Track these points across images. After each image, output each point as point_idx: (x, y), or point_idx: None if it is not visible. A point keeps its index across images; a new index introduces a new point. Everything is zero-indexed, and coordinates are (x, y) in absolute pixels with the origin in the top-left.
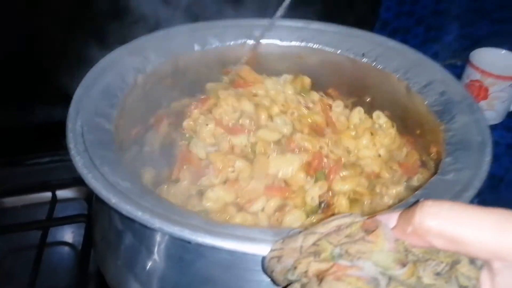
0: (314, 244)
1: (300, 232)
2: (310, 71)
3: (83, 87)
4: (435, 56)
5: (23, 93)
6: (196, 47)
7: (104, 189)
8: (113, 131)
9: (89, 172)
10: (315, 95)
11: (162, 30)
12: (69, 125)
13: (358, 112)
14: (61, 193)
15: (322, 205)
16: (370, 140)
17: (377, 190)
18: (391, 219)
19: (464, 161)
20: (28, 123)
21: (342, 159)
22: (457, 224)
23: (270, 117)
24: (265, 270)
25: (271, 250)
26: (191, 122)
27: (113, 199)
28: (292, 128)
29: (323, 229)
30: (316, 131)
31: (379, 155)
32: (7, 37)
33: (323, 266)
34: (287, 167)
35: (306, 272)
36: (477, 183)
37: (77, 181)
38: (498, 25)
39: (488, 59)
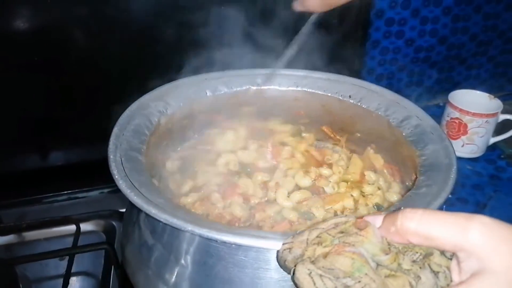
0: (317, 236)
1: (305, 230)
2: (305, 111)
3: (119, 127)
4: (419, 98)
5: (42, 139)
6: (208, 93)
7: (145, 204)
8: (144, 162)
9: (132, 192)
10: None
11: (180, 80)
12: (111, 156)
13: None
14: (81, 226)
15: None
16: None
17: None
18: (377, 220)
19: (434, 179)
20: (45, 165)
21: None
22: (427, 225)
23: None
24: (278, 260)
25: (283, 244)
26: None
27: (153, 211)
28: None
29: (323, 225)
30: None
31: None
32: (28, 87)
33: (326, 250)
34: None
35: (313, 256)
36: (444, 195)
37: (96, 215)
38: (473, 70)
39: (465, 99)
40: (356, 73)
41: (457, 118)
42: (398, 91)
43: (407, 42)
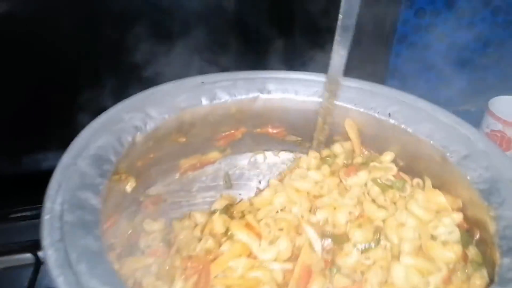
0: None
1: None
2: (330, 129)
3: (70, 155)
4: (447, 102)
5: (14, 143)
6: (204, 102)
7: None
8: (99, 207)
9: (61, 274)
10: None
11: (166, 84)
12: (47, 204)
13: None
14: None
15: None
16: None
17: None
18: None
19: None
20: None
21: None
22: None
23: None
24: None
25: None
26: None
27: None
28: None
29: None
30: None
31: None
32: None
33: None
34: None
35: None
36: None
37: None
38: None
39: (509, 107)
40: (377, 72)
41: (499, 131)
42: (424, 93)
43: (439, 37)
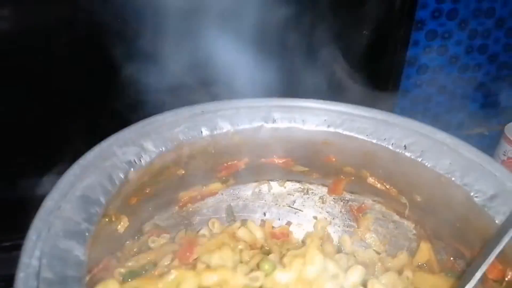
0: None
1: None
2: (338, 158)
3: (53, 198)
4: (460, 126)
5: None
6: (204, 132)
7: None
8: (83, 259)
9: None
10: None
11: (163, 114)
12: (23, 259)
13: None
14: None
15: None
16: None
17: None
18: None
19: None
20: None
21: None
22: None
23: None
24: None
25: None
26: None
27: None
28: None
29: None
30: None
31: None
32: None
33: None
34: None
35: None
36: None
37: None
38: None
39: None
40: (388, 95)
41: None
42: (435, 116)
43: (451, 59)
